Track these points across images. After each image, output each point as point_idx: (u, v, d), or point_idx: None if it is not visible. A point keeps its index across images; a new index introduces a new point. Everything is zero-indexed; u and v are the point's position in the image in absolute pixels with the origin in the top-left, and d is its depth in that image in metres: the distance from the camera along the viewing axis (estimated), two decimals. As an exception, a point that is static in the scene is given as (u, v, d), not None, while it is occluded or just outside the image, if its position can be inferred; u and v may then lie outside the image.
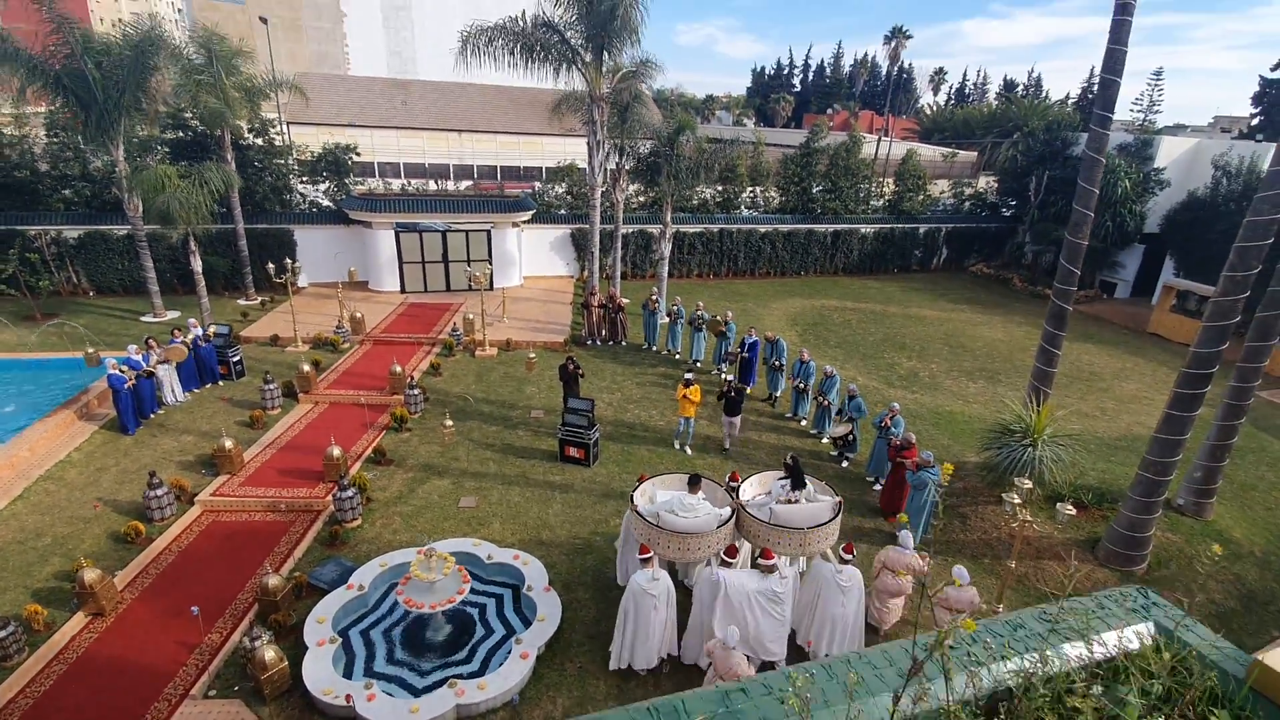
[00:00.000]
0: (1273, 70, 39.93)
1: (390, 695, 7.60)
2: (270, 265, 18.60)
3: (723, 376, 15.05)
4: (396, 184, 29.52)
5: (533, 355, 16.32)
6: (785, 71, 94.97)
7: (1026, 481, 8.93)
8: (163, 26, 18.67)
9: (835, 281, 28.70)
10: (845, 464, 13.57)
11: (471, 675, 7.99)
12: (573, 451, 12.99)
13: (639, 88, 19.35)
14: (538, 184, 29.11)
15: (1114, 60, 10.83)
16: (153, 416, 14.13)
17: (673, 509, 8.58)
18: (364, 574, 9.36)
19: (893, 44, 55.18)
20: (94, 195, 21.38)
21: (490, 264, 23.00)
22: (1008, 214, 31.96)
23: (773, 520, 8.62)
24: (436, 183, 31.22)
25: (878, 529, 11.57)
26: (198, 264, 18.49)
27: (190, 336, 15.32)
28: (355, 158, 25.16)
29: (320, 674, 7.74)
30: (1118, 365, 20.68)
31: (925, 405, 16.57)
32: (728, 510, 8.80)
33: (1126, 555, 10.58)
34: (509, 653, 8.22)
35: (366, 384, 15.91)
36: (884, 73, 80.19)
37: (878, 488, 12.62)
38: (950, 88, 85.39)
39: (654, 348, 19.36)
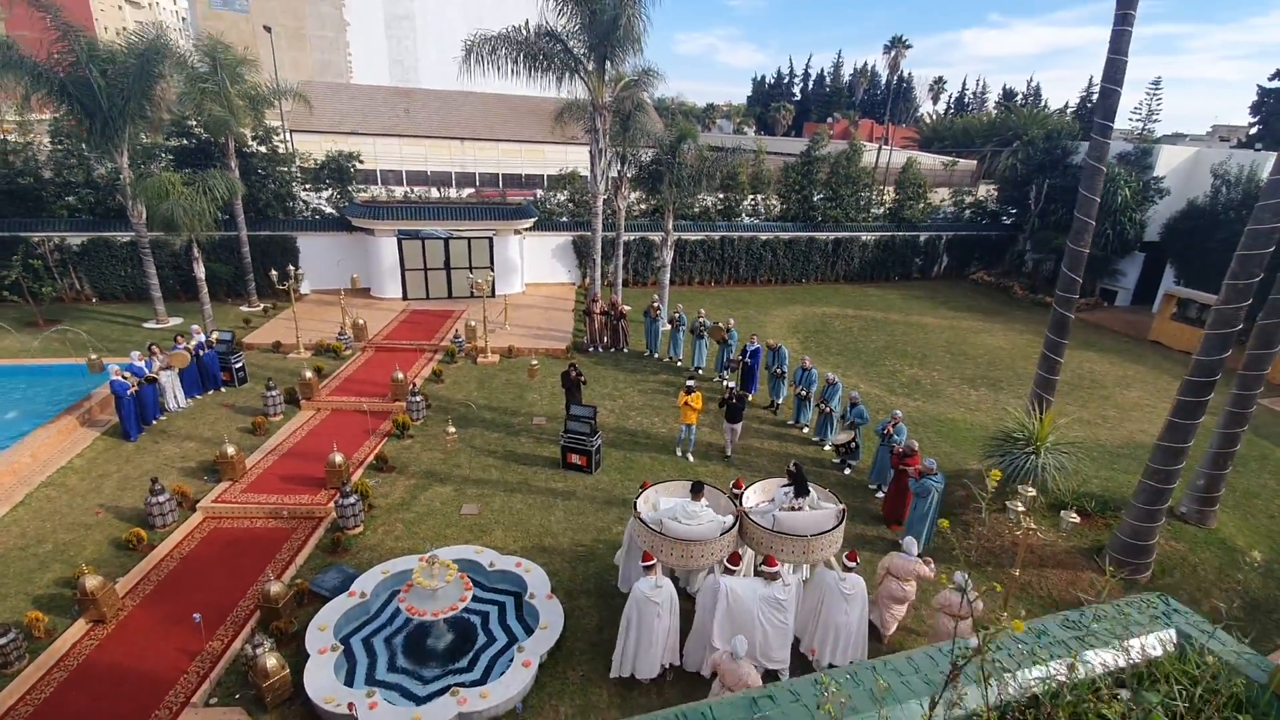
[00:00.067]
0: (1271, 80, 40.13)
1: (392, 703, 7.56)
2: (273, 272, 18.66)
3: (724, 383, 15.05)
4: (399, 191, 29.62)
5: (535, 362, 16.35)
6: (785, 80, 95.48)
7: (1031, 489, 8.92)
8: (168, 35, 18.81)
9: (836, 289, 28.74)
10: (847, 471, 13.56)
11: (474, 683, 7.95)
12: (575, 458, 12.98)
13: (641, 96, 19.45)
14: (539, 191, 29.23)
15: (1114, 70, 10.89)
16: (155, 423, 14.14)
17: (676, 516, 8.57)
18: (366, 581, 9.33)
19: (892, 53, 55.44)
20: (98, 202, 21.46)
21: (492, 271, 23.07)
22: (1008, 222, 32.04)
23: (776, 527, 8.60)
24: (439, 190, 31.35)
25: (880, 537, 11.54)
26: (201, 270, 18.54)
27: (193, 343, 15.34)
28: (358, 165, 25.26)
29: (322, 682, 7.71)
30: (1119, 373, 20.68)
31: (927, 413, 16.57)
32: (731, 517, 8.79)
33: (1130, 563, 10.55)
34: (511, 661, 8.18)
35: (369, 391, 15.91)
36: (884, 82, 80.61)
37: (880, 495, 12.60)
38: (950, 97, 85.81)
39: (656, 355, 19.38)
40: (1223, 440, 11.50)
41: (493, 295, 21.74)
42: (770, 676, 7.99)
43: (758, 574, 8.28)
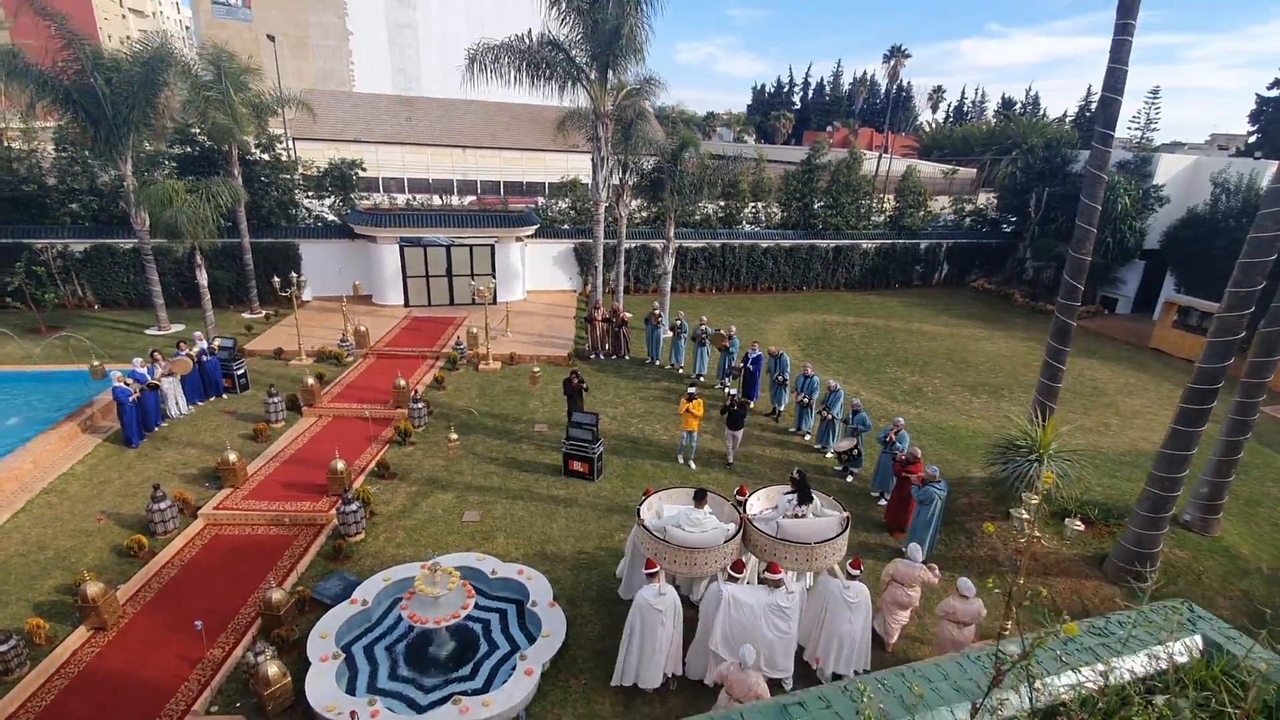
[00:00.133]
0: (1269, 89, 40.36)
1: (394, 712, 7.52)
2: (275, 279, 18.68)
3: (726, 390, 15.06)
4: (401, 199, 29.70)
5: (537, 369, 16.34)
6: (785, 89, 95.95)
7: (1034, 497, 8.88)
8: (173, 44, 18.93)
9: (837, 296, 28.78)
10: (850, 479, 13.54)
11: (476, 692, 7.92)
12: (577, 466, 12.96)
13: (642, 105, 19.55)
14: (541, 199, 29.32)
15: (1115, 79, 10.95)
16: (156, 429, 14.13)
17: (679, 524, 8.55)
18: (367, 589, 9.30)
19: (892, 63, 55.78)
20: (101, 209, 21.52)
21: (494, 278, 23.11)
22: (1008, 230, 32.13)
23: (779, 534, 8.58)
24: (441, 198, 31.43)
25: (883, 544, 11.51)
26: (203, 277, 18.59)
27: (195, 350, 15.35)
28: (361, 173, 25.35)
29: (323, 690, 7.67)
30: (1121, 381, 20.68)
31: (929, 420, 16.56)
32: (734, 525, 8.77)
33: (1135, 572, 10.50)
34: (514, 669, 8.14)
35: (370, 397, 15.91)
36: (883, 91, 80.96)
37: (883, 503, 12.58)
38: (949, 106, 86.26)
39: (657, 362, 19.38)
40: (1226, 448, 11.49)
41: (494, 302, 21.76)
42: (773, 685, 7.95)
43: (761, 582, 8.25)
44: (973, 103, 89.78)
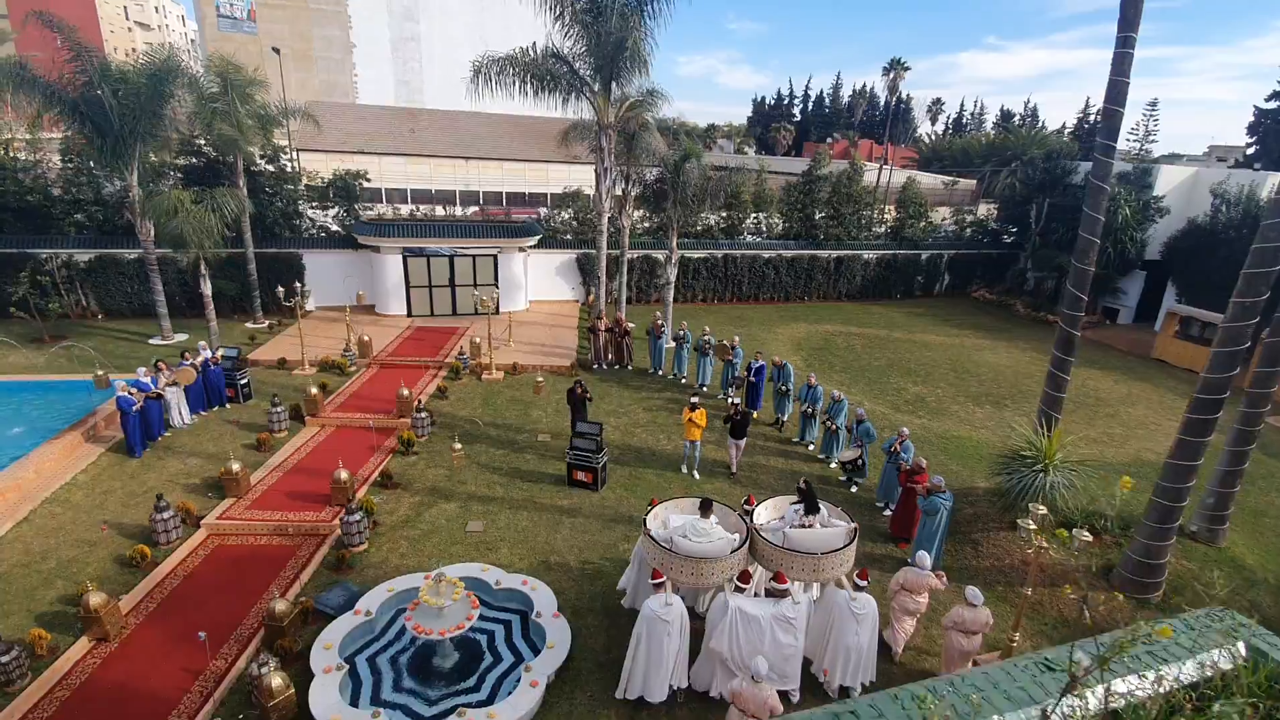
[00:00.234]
0: (1267, 101, 40.64)
1: (398, 724, 7.46)
2: (279, 289, 18.72)
3: (730, 400, 15.04)
4: (405, 210, 29.86)
5: (541, 379, 16.35)
6: (785, 102, 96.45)
7: (1041, 507, 8.86)
8: (179, 56, 19.09)
9: (839, 307, 28.82)
10: (854, 489, 13.50)
11: (480, 704, 7.86)
12: (580, 475, 12.93)
13: (645, 117, 19.68)
14: (543, 210, 29.46)
15: (1116, 91, 11.03)
16: (159, 439, 14.11)
17: (686, 534, 8.51)
18: (371, 599, 9.25)
19: (891, 75, 56.02)
20: (106, 219, 21.61)
21: (497, 288, 23.17)
22: (1009, 240, 32.24)
23: (786, 544, 8.54)
24: (444, 208, 31.59)
25: (889, 555, 11.46)
26: (207, 287, 18.63)
27: (199, 359, 15.36)
28: (364, 184, 25.49)
29: (327, 702, 7.61)
30: (1123, 391, 20.67)
31: (933, 430, 16.53)
32: (739, 535, 8.73)
33: (1142, 583, 10.45)
34: (519, 681, 8.08)
35: (373, 407, 15.90)
36: (883, 103, 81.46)
37: (887, 513, 12.54)
38: (948, 117, 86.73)
39: (660, 372, 19.38)
40: (1231, 458, 11.47)
41: (497, 312, 21.80)
42: (780, 697, 7.87)
43: (768, 594, 8.20)
44: (972, 115, 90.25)
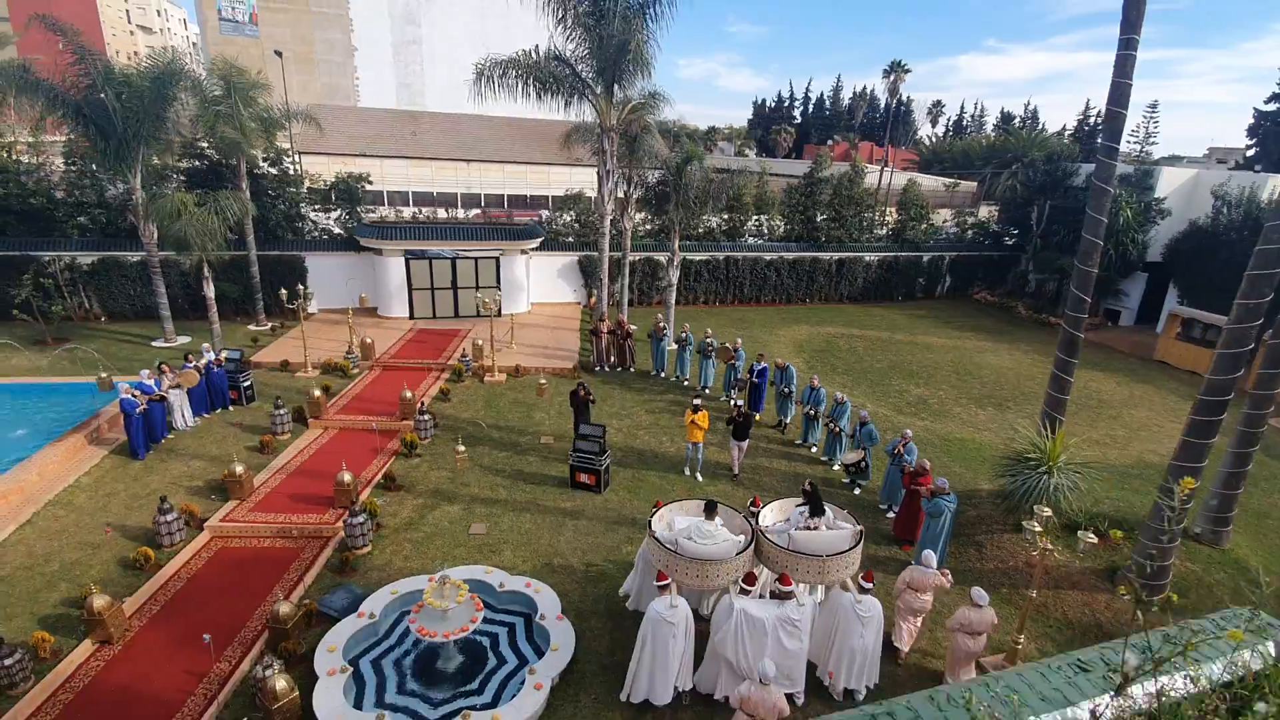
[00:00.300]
0: (1267, 103, 40.68)
1: (403, 727, 7.45)
2: (282, 291, 18.74)
3: (732, 403, 15.05)
4: (407, 212, 29.91)
5: (544, 381, 16.35)
6: (786, 104, 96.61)
7: (1047, 509, 8.86)
8: (182, 60, 19.15)
9: (840, 309, 28.83)
10: (857, 491, 13.49)
11: (484, 706, 7.84)
12: (583, 478, 12.92)
13: (647, 119, 19.70)
14: (545, 212, 29.50)
15: (1119, 93, 11.04)
16: (163, 441, 14.10)
17: (691, 536, 8.50)
18: (374, 602, 9.23)
19: (891, 78, 56.13)
20: (109, 222, 21.65)
21: (499, 291, 23.19)
22: (1010, 242, 32.25)
23: (791, 546, 8.53)
24: (445, 211, 31.62)
25: (892, 557, 11.44)
26: (210, 290, 18.64)
27: (202, 362, 15.37)
28: (367, 186, 25.52)
29: (331, 704, 7.60)
30: (1126, 393, 20.65)
31: (935, 432, 16.51)
32: (745, 537, 8.72)
33: (1147, 585, 10.43)
34: (523, 683, 8.06)
35: (376, 409, 15.90)
36: (883, 105, 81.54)
37: (891, 515, 12.53)
38: (948, 120, 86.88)
39: (662, 374, 19.38)
40: (1235, 460, 11.45)
41: (499, 315, 21.80)
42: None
43: (773, 596, 8.18)
44: (972, 117, 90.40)
